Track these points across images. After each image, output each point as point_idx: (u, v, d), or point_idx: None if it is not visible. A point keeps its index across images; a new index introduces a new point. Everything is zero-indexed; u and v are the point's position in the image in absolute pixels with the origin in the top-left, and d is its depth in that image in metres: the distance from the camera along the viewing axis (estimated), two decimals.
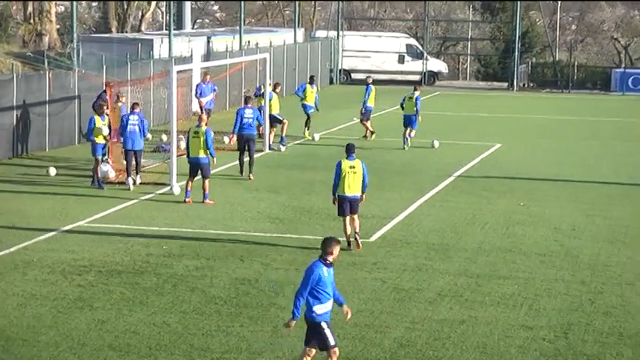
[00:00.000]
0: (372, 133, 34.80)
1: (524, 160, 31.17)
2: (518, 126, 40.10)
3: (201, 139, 23.36)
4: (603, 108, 47.76)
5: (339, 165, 19.00)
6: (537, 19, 70.18)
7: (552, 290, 16.73)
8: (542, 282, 17.21)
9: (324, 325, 11.98)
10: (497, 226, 21.62)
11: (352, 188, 18.94)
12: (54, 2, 57.17)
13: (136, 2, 62.03)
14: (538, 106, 48.38)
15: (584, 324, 15.01)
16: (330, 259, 11.93)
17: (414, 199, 24.27)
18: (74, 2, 36.25)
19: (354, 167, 18.96)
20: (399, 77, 57.68)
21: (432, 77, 58.22)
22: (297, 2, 56.36)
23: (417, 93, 33.31)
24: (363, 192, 19.20)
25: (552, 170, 29.07)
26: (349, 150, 19.01)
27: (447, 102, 47.89)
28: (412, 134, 32.89)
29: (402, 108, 33.33)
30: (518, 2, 56.23)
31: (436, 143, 33.35)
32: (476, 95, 53.39)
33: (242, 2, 51.25)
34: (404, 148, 32.58)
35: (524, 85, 57.28)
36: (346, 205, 18.97)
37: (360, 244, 19.17)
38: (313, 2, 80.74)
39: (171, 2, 46.68)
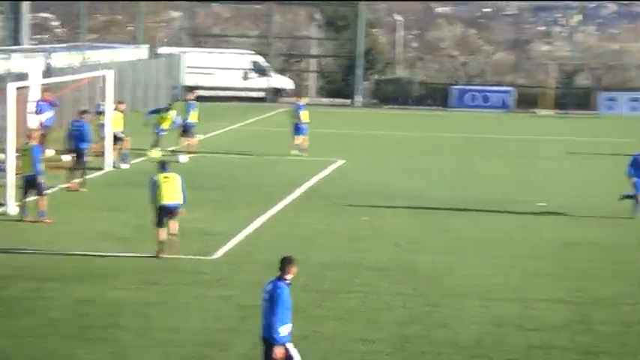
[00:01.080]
0: (192, 150, 34.55)
1: (367, 175, 31.55)
2: (361, 142, 40.63)
3: (30, 156, 22.99)
4: (443, 123, 48.90)
5: (152, 178, 19.95)
6: (380, 37, 71.36)
7: (391, 304, 16.95)
8: (382, 296, 17.42)
9: (289, 345, 11.87)
10: (341, 241, 21.78)
11: (169, 196, 19.65)
12: None
13: None
14: (381, 122, 49.17)
15: (422, 336, 15.24)
16: (290, 278, 11.95)
17: (259, 215, 24.24)
18: None
19: (168, 177, 19.77)
20: (243, 94, 57.69)
21: (276, 93, 58.45)
22: (140, 17, 55.74)
23: (299, 102, 36.33)
24: (182, 203, 19.84)
25: (394, 185, 29.51)
26: (163, 166, 20.01)
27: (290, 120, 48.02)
28: (303, 143, 35.11)
29: (292, 117, 35.74)
30: (363, 17, 57.08)
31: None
32: (320, 111, 53.74)
33: (83, 15, 50.31)
34: (300, 156, 34.59)
35: (367, 101, 58.14)
36: (164, 215, 19.60)
37: (177, 244, 19.57)
38: (156, 18, 79.94)
39: (7, 17, 45.44)
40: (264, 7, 66.10)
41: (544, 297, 17.54)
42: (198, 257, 19.84)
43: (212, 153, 35.22)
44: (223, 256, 20.11)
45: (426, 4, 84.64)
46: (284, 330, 11.93)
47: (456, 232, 22.93)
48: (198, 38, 69.71)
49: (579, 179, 31.53)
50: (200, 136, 36.95)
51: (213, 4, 72.93)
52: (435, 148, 38.90)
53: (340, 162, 34.20)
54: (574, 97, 56.89)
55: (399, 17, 76.30)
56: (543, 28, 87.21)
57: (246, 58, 59.20)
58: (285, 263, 12.09)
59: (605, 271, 19.54)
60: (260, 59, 59.79)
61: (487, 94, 56.52)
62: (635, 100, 55.36)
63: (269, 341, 11.91)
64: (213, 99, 54.13)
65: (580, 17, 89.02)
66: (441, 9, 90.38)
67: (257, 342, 14.63)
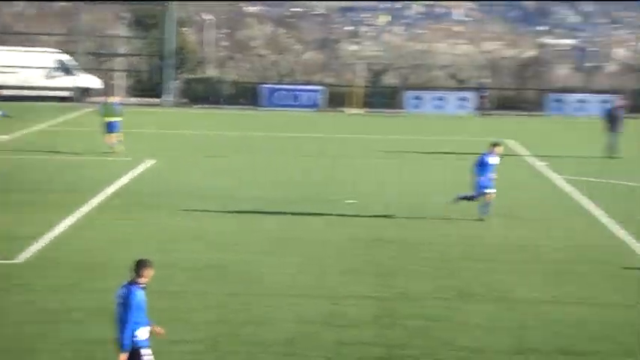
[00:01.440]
0: None
1: (179, 175, 31.21)
2: (172, 142, 40.22)
3: None
4: (254, 122, 49.02)
5: None
6: (190, 36, 70.90)
7: (205, 304, 16.84)
8: (196, 296, 17.29)
9: (143, 351, 11.64)
10: (153, 241, 21.43)
11: None
12: None
13: None
14: (191, 121, 48.89)
15: (235, 335, 15.21)
16: (144, 282, 11.63)
17: (66, 217, 23.59)
18: None
19: None
20: (49, 93, 56.16)
21: (83, 93, 57.20)
22: None
23: (112, 100, 36.91)
24: None
25: (207, 185, 29.29)
26: None
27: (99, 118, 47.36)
28: (118, 138, 35.05)
29: (103, 115, 35.61)
30: (173, 16, 56.56)
31: None
32: (129, 111, 53.00)
33: None
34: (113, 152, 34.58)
35: (177, 100, 57.67)
36: None
37: None
38: None
39: None
40: (71, 5, 64.63)
41: (353, 293, 17.76)
42: (0, 262, 19.16)
43: (17, 153, 34.14)
44: (26, 260, 19.48)
45: (235, 3, 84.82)
46: (141, 334, 11.68)
47: (268, 232, 22.92)
48: (0, 36, 67.49)
49: (389, 177, 32.11)
50: (4, 137, 35.78)
51: (16, 2, 70.74)
52: (247, 148, 38.90)
53: (151, 162, 33.72)
54: (382, 96, 58.09)
55: (208, 16, 76.07)
56: (351, 28, 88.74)
57: (50, 57, 57.66)
58: (140, 266, 11.85)
59: (413, 267, 19.94)
60: (65, 58, 58.34)
61: (297, 93, 57.06)
62: (439, 99, 57.03)
63: (129, 346, 11.70)
64: (18, 98, 52.49)
65: (388, 18, 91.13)
66: (250, 8, 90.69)
67: (61, 347, 14.29)
